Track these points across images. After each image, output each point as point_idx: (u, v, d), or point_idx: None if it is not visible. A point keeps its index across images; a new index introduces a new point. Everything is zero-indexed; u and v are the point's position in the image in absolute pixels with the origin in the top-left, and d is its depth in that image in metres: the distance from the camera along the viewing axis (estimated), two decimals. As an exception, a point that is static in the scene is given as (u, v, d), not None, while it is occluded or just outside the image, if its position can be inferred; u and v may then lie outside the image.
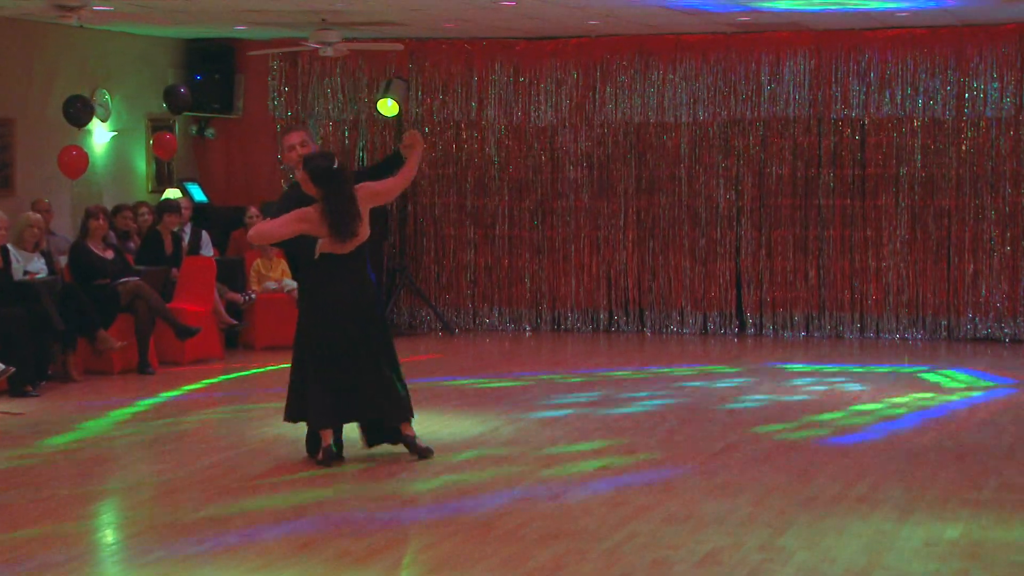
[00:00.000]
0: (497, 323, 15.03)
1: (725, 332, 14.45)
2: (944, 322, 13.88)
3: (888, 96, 13.87)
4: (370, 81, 15.10)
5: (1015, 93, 13.55)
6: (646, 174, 14.63)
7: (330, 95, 15.23)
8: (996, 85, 13.57)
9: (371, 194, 7.83)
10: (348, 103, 15.20)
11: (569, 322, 14.89)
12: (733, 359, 12.90)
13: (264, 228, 7.76)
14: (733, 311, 14.47)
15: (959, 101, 13.70)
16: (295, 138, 8.00)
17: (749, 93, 14.26)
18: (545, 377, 11.45)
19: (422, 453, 7.87)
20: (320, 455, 7.75)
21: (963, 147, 13.74)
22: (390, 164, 8.06)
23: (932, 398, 10.25)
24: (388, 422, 7.92)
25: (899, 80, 13.83)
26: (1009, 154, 13.61)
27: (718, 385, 10.96)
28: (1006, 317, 13.70)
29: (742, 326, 14.45)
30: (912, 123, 13.82)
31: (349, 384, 7.73)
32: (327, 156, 7.80)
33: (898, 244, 13.93)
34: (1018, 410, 9.75)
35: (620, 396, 10.38)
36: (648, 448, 8.28)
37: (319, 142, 15.22)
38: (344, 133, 15.25)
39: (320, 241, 7.65)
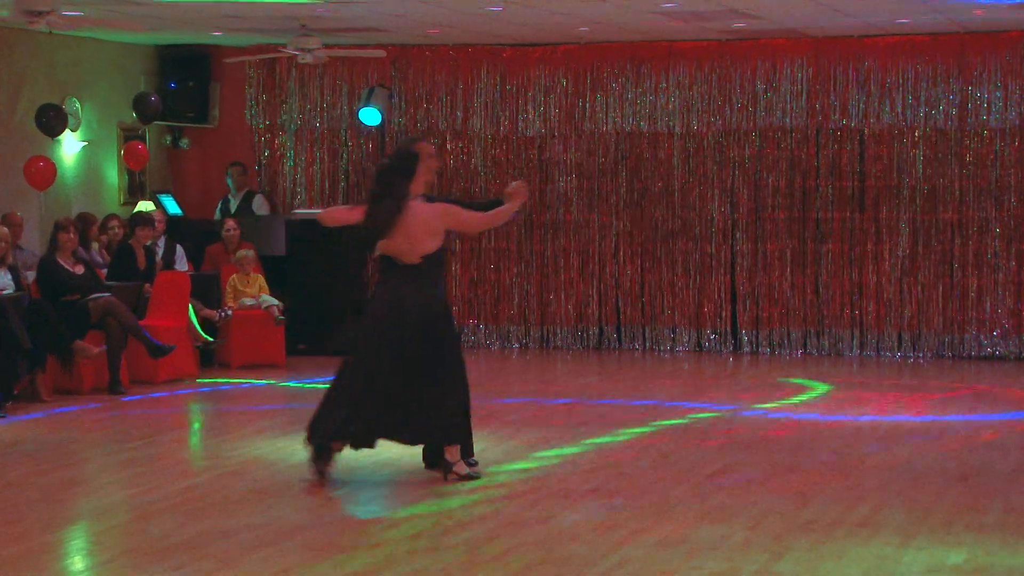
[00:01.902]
0: (484, 340, 15.05)
1: (720, 350, 14.49)
2: (947, 340, 13.94)
3: (888, 105, 13.95)
4: (351, 89, 15.14)
5: (1019, 102, 13.64)
6: (638, 186, 14.68)
7: (310, 104, 15.26)
8: (999, 94, 13.66)
9: (448, 213, 7.92)
10: (328, 112, 15.23)
11: (559, 339, 14.92)
12: (728, 377, 12.94)
13: (332, 209, 8.19)
14: (728, 328, 14.52)
15: (961, 110, 13.79)
16: (430, 148, 8.12)
17: (744, 102, 14.34)
18: (534, 396, 11.46)
19: (462, 478, 7.87)
20: (313, 468, 7.81)
21: (966, 158, 13.82)
22: (487, 207, 8.23)
23: (935, 418, 10.29)
24: (412, 441, 7.93)
25: (900, 89, 13.92)
26: (1014, 165, 13.69)
27: (713, 405, 10.99)
28: (1011, 335, 13.77)
29: (737, 344, 14.50)
30: (913, 133, 13.91)
31: (386, 399, 7.73)
32: (403, 157, 7.91)
33: (899, 259, 14.00)
34: (1023, 430, 9.79)
35: (613, 416, 10.39)
36: (640, 470, 8.31)
37: (292, 153, 15.26)
38: (324, 143, 15.28)
39: (381, 243, 7.79)
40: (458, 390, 7.88)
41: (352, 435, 7.81)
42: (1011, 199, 13.73)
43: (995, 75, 13.67)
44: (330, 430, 7.79)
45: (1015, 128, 13.68)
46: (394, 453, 8.78)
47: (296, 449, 8.92)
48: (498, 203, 8.12)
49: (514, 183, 8.11)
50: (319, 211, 8.64)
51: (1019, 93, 13.62)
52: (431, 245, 7.81)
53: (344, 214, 8.11)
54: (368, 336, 7.80)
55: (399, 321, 7.72)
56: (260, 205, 14.96)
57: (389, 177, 7.81)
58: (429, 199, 7.92)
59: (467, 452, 8.00)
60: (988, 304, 13.82)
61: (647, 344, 14.71)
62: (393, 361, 7.70)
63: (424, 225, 7.77)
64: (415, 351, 7.71)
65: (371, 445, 7.94)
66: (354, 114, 14.79)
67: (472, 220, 8.08)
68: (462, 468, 7.91)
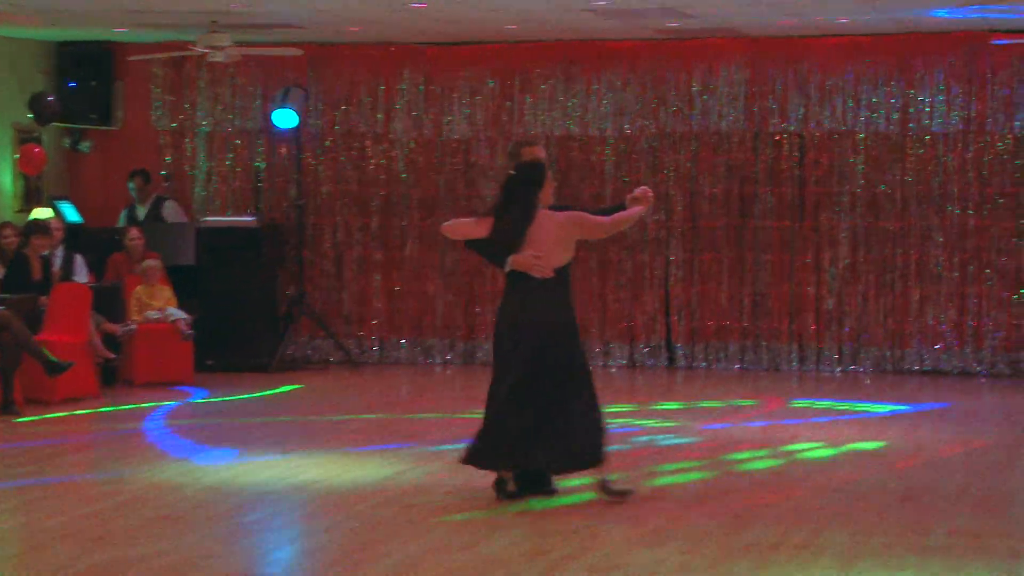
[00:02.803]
0: (405, 355, 14.99)
1: (654, 365, 14.54)
2: (888, 353, 14.09)
3: (829, 109, 14.10)
4: (265, 90, 15.04)
5: (962, 107, 13.84)
6: (568, 192, 14.69)
7: (221, 105, 15.13)
8: (942, 98, 13.86)
9: (577, 221, 7.96)
10: (241, 114, 15.11)
11: (484, 354, 14.89)
12: (662, 394, 12.98)
13: (457, 222, 8.15)
14: (662, 342, 14.57)
15: (904, 115, 13.97)
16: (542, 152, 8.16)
17: (680, 105, 14.42)
18: (458, 414, 11.43)
19: (621, 494, 7.89)
20: (495, 488, 7.89)
21: (908, 164, 13.99)
22: (608, 213, 8.26)
23: (876, 436, 10.38)
24: (566, 468, 7.91)
25: (840, 92, 14.07)
26: (956, 172, 13.88)
27: (645, 423, 11.01)
28: (954, 348, 13.95)
29: (672, 358, 14.56)
30: (854, 138, 14.06)
31: (528, 422, 7.73)
32: (531, 166, 7.97)
33: (840, 269, 14.14)
34: (968, 448, 9.92)
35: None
36: (570, 492, 8.29)
37: (203, 157, 15.13)
38: (236, 147, 15.16)
39: (513, 257, 7.81)
40: (598, 407, 7.90)
41: (515, 462, 7.82)
42: (954, 207, 13.92)
43: (937, 78, 13.87)
44: (492, 458, 7.84)
45: (958, 133, 13.87)
46: (309, 476, 8.71)
47: (204, 472, 8.82)
48: (620, 209, 8.20)
49: (638, 188, 8.19)
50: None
51: (962, 97, 13.82)
52: (563, 257, 7.85)
53: (469, 228, 8.05)
54: (506, 358, 7.82)
55: (534, 340, 7.74)
56: (173, 212, 14.79)
57: (519, 187, 7.82)
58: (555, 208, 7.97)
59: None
60: (930, 316, 13.99)
61: (578, 359, 14.70)
62: (536, 383, 7.73)
63: (556, 236, 7.81)
64: (555, 371, 7.73)
65: (530, 467, 7.87)
66: (268, 116, 14.69)
67: (600, 225, 8.11)
68: (617, 484, 7.95)
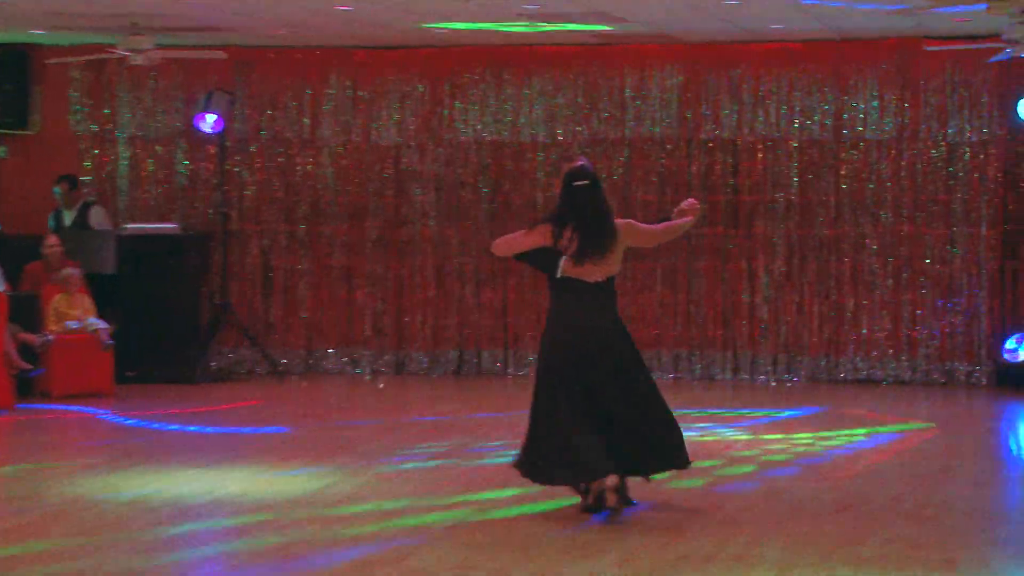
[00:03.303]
0: (333, 366, 14.92)
1: (587, 374, 14.54)
2: (823, 362, 14.20)
3: (762, 115, 14.21)
4: (188, 94, 14.92)
5: (896, 113, 14.00)
6: (500, 199, 14.73)
7: (143, 110, 15.00)
8: (876, 104, 14.01)
9: (629, 229, 7.96)
10: (163, 119, 14.98)
11: (415, 364, 14.86)
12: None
13: (507, 239, 8.11)
14: (596, 351, 14.58)
15: (837, 121, 14.11)
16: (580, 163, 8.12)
17: (612, 111, 14.48)
18: (389, 425, 11.38)
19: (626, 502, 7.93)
20: (589, 499, 7.83)
21: (842, 171, 14.13)
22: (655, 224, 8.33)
23: (811, 445, 10.46)
24: (648, 469, 7.94)
25: (774, 98, 14.18)
26: (890, 179, 14.03)
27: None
28: (889, 357, 14.08)
29: (606, 367, 14.57)
30: (788, 145, 14.18)
31: (596, 431, 7.70)
32: (583, 169, 7.98)
33: (774, 277, 14.24)
34: (903, 457, 10.02)
35: (473, 446, 10.37)
36: (504, 503, 8.28)
37: (124, 163, 14.99)
38: (159, 152, 15.02)
39: (563, 260, 7.77)
40: (666, 406, 7.93)
41: (584, 473, 7.76)
42: (888, 214, 14.06)
43: (871, 84, 14.02)
44: (558, 471, 7.78)
45: (891, 140, 14.03)
46: (232, 490, 8.63)
47: (124, 487, 8.72)
48: (665, 221, 8.24)
49: (686, 200, 8.19)
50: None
51: (895, 103, 13.98)
52: (614, 266, 7.88)
53: (520, 241, 8.04)
54: (558, 368, 7.81)
55: (589, 346, 7.78)
56: (100, 218, 14.62)
57: (594, 196, 7.86)
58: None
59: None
60: (865, 324, 14.13)
61: (510, 369, 14.73)
62: (599, 390, 7.75)
63: (618, 245, 7.87)
64: (615, 376, 7.79)
65: (601, 478, 7.78)
66: (191, 121, 14.57)
67: (652, 233, 8.18)
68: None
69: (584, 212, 7.83)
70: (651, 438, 7.84)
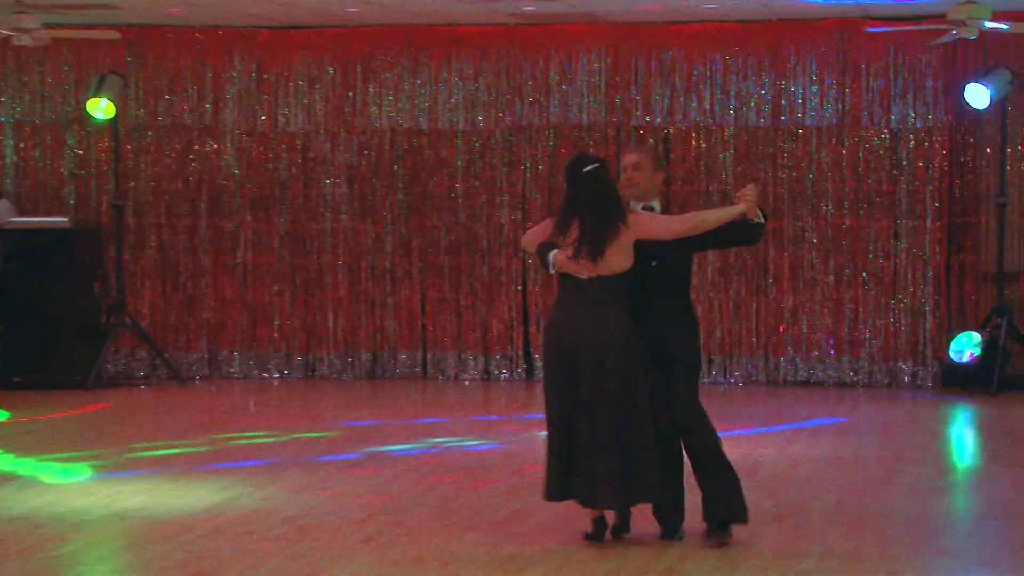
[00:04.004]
0: (238, 370, 14.87)
1: (511, 377, 14.63)
2: (760, 363, 14.35)
3: (695, 101, 14.33)
4: (79, 77, 14.80)
5: (837, 99, 14.17)
6: (417, 190, 14.73)
7: (29, 94, 14.85)
8: (815, 89, 14.17)
9: (640, 222, 7.68)
10: (52, 103, 14.85)
11: (326, 368, 14.84)
12: (521, 409, 13.06)
13: (531, 229, 7.99)
14: (520, 353, 14.67)
15: (775, 107, 14.25)
16: (630, 158, 7.93)
17: (537, 96, 14.53)
18: (297, 434, 11.37)
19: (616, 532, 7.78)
20: (590, 528, 7.67)
21: (780, 160, 14.28)
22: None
23: (747, 452, 10.57)
24: (605, 503, 7.60)
25: (707, 83, 14.31)
26: (831, 168, 14.20)
27: (502, 441, 11.08)
28: (830, 358, 14.26)
29: (530, 370, 14.67)
30: (723, 132, 14.31)
31: (570, 446, 7.57)
32: (588, 157, 7.88)
33: (709, 273, 14.36)
34: (843, 464, 10.16)
35: (388, 455, 10.39)
36: (421, 516, 8.32)
37: (10, 151, 14.84)
38: (47, 139, 14.89)
39: (554, 253, 7.63)
40: (639, 440, 7.54)
41: (575, 496, 7.64)
42: (828, 206, 14.22)
43: (810, 68, 14.18)
44: (554, 489, 7.66)
45: (832, 127, 14.19)
46: (131, 503, 8.60)
47: (13, 501, 8.66)
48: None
49: (749, 185, 7.85)
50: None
51: (836, 88, 14.15)
52: (615, 263, 7.58)
53: (535, 233, 7.91)
54: (548, 376, 7.71)
55: (570, 359, 7.57)
56: (4, 211, 14.45)
57: (596, 181, 7.74)
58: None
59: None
60: (805, 323, 14.29)
61: (427, 372, 14.75)
62: (573, 410, 7.56)
63: (620, 240, 7.63)
64: (588, 397, 7.53)
65: (597, 506, 7.64)
66: (82, 106, 14.46)
67: (664, 224, 7.70)
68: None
69: (584, 201, 7.67)
70: (611, 469, 7.50)
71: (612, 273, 7.60)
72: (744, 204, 7.65)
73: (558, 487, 7.62)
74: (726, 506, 7.66)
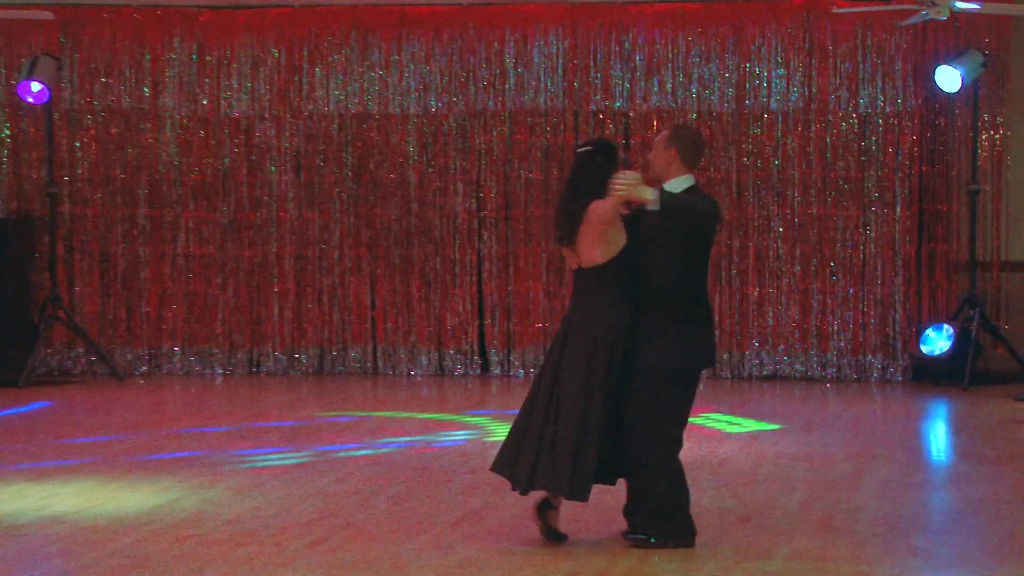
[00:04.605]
0: (179, 366, 14.80)
1: (466, 372, 14.61)
2: (725, 357, 14.39)
3: (657, 85, 14.34)
4: (9, 59, 14.70)
5: (803, 82, 14.21)
6: (366, 178, 14.70)
7: (-43, 75, 14.76)
8: (781, 72, 14.20)
9: (589, 214, 7.64)
10: (-19, 86, 14.76)
11: (272, 364, 14.79)
12: (476, 405, 13.05)
13: None
14: (475, 347, 14.65)
15: (739, 91, 14.28)
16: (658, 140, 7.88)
17: (491, 80, 14.52)
18: (241, 432, 11.33)
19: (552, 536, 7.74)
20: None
21: (744, 146, 14.31)
22: None
23: (712, 449, 10.60)
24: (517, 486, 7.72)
25: (669, 65, 14.32)
26: (797, 155, 14.24)
27: (457, 438, 11.07)
28: (797, 351, 14.31)
29: (485, 365, 14.65)
30: (685, 117, 14.32)
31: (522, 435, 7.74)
32: (594, 140, 8.00)
33: (671, 263, 14.35)
34: (811, 461, 10.20)
35: (335, 455, 10.37)
36: (372, 518, 8.30)
37: None
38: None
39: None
40: (565, 427, 7.56)
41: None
42: (794, 194, 14.27)
43: (776, 50, 14.21)
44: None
45: (799, 112, 14.23)
46: (65, 506, 8.55)
47: (-59, 506, 8.59)
48: None
49: (624, 172, 7.65)
50: None
51: (802, 71, 14.18)
52: (592, 254, 7.61)
53: None
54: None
55: (556, 340, 7.79)
56: None
57: (575, 165, 7.94)
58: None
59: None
60: (771, 316, 14.33)
61: (378, 367, 14.72)
62: (536, 387, 7.80)
63: (587, 227, 7.63)
64: (550, 375, 7.71)
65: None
66: (13, 89, 14.34)
67: (599, 211, 7.62)
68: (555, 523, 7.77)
69: (564, 185, 7.85)
70: (530, 450, 7.60)
71: (588, 265, 7.66)
72: (616, 194, 7.45)
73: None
74: (644, 521, 7.67)
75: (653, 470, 7.58)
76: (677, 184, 7.68)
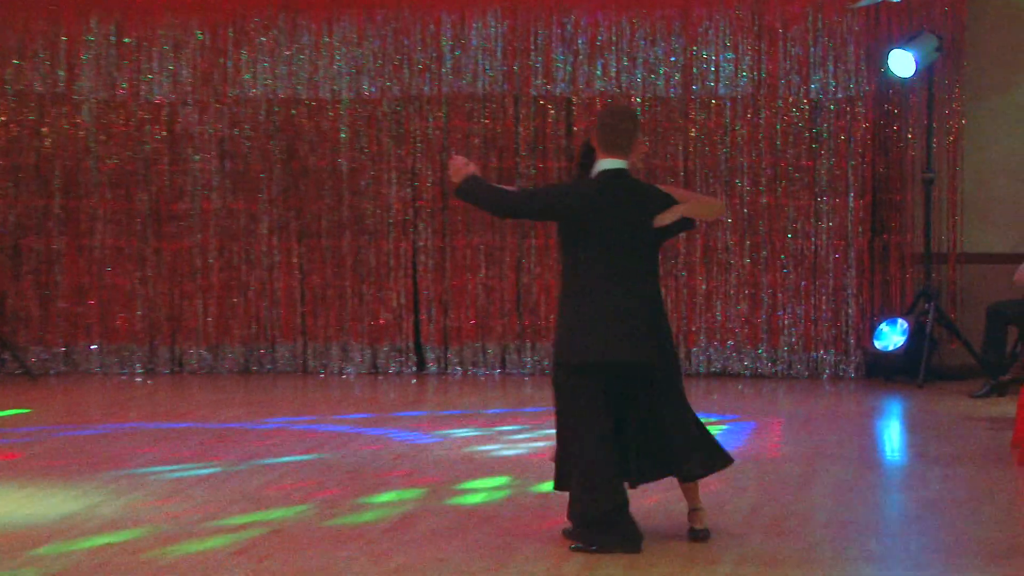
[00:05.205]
0: (97, 364, 14.71)
1: (400, 370, 14.60)
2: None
3: (600, 69, 14.36)
4: (-84, 39, 14.59)
5: (752, 67, 14.27)
6: (296, 166, 14.65)
7: None
8: (730, 55, 14.26)
9: None
10: None
11: (195, 362, 14.72)
12: (411, 405, 13.04)
13: None
14: (410, 343, 14.64)
15: (686, 75, 14.33)
16: None
17: (427, 63, 14.50)
18: (163, 435, 11.28)
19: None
20: None
21: (691, 132, 14.36)
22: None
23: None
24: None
25: (613, 49, 14.35)
26: (746, 142, 14.30)
27: (391, 438, 11.06)
28: (746, 347, 14.37)
29: (421, 363, 14.64)
30: (630, 102, 14.32)
31: None
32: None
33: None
34: (760, 462, 10.25)
35: (264, 457, 10.34)
36: (302, 523, 8.28)
37: None
38: None
39: None
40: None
41: None
42: (744, 183, 14.29)
43: (724, 33, 14.26)
44: None
45: (747, 97, 14.29)
46: (-23, 515, 8.48)
47: None
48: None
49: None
50: None
51: (751, 55, 14.25)
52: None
53: None
54: None
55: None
56: None
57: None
58: None
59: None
60: (719, 310, 14.39)
61: (308, 366, 14.68)
62: None
63: None
64: None
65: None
66: (-79, 72, 14.23)
67: None
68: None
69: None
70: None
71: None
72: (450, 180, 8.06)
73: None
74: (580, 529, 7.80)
75: (574, 476, 7.76)
76: (597, 168, 7.90)
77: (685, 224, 8.07)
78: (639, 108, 14.25)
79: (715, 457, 7.99)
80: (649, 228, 7.86)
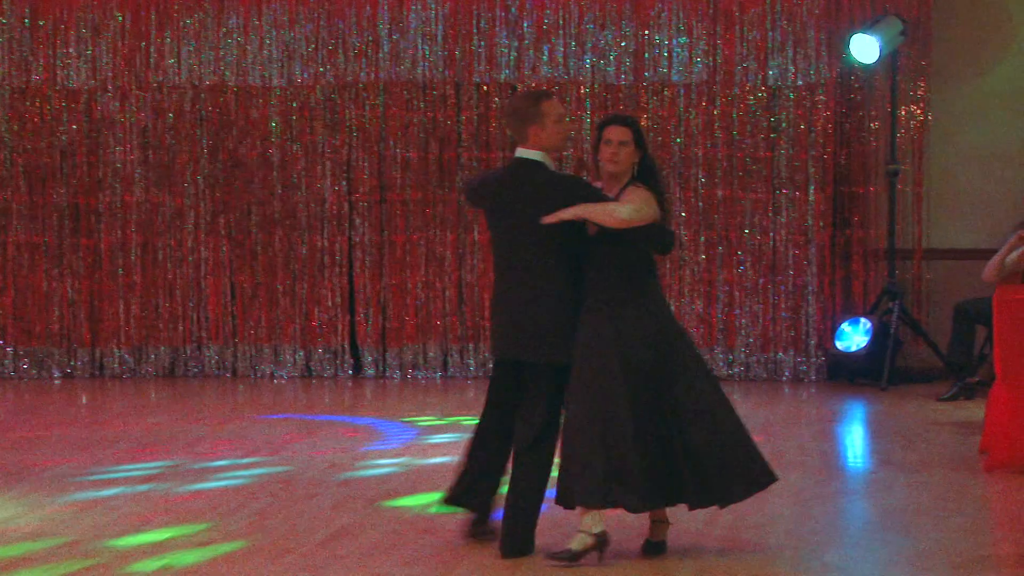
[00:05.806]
0: (12, 368, 14.64)
1: (335, 374, 14.59)
2: (623, 355, 14.47)
3: (547, 54, 14.39)
4: None
5: (707, 52, 14.33)
6: (223, 157, 14.63)
7: None
8: (684, 40, 14.32)
9: None
10: None
11: (116, 365, 14.67)
12: (347, 410, 13.03)
13: None
14: (346, 345, 14.63)
15: (637, 61, 14.38)
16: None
17: (363, 48, 14.50)
18: (84, 441, 11.23)
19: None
20: None
21: (643, 121, 14.40)
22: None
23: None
24: None
25: (560, 33, 14.38)
26: (701, 131, 14.36)
27: (328, 445, 11.05)
28: (701, 347, 14.43)
29: (358, 366, 14.64)
30: (578, 89, 14.41)
31: None
32: None
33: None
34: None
35: (189, 466, 10.31)
36: (231, 535, 8.27)
37: None
38: None
39: None
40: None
41: None
42: (699, 175, 14.39)
43: (677, 17, 14.32)
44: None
45: (703, 84, 14.35)
46: None
47: None
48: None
49: None
50: None
51: (706, 40, 14.31)
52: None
53: None
54: None
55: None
56: None
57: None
58: None
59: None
60: (672, 308, 14.42)
61: (238, 369, 14.65)
62: None
63: None
64: None
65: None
66: None
67: None
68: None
69: None
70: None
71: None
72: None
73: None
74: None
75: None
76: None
77: (652, 233, 8.03)
78: (587, 96, 14.28)
79: (713, 493, 7.89)
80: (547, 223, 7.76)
